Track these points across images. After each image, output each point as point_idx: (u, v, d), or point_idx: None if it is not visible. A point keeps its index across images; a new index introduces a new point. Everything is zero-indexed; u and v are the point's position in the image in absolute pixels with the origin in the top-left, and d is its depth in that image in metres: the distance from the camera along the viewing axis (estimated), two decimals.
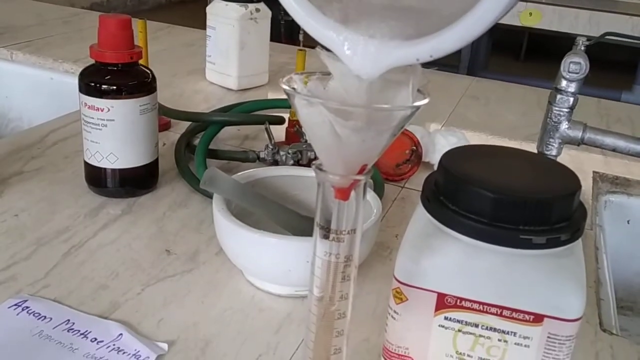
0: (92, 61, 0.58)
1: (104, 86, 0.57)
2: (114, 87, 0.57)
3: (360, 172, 0.29)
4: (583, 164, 0.80)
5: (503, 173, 0.35)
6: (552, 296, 0.33)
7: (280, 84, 0.28)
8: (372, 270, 0.53)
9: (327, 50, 0.29)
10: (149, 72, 0.60)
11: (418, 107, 0.27)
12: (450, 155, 0.37)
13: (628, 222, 0.77)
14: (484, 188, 0.33)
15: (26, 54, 1.04)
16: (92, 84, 0.57)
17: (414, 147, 0.70)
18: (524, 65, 3.94)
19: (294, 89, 0.27)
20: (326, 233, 0.30)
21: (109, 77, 0.57)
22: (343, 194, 0.29)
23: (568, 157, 0.80)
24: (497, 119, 0.94)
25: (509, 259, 0.33)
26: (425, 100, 0.27)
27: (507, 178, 0.35)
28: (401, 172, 0.70)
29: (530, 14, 2.32)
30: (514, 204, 0.33)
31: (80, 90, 0.58)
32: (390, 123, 0.27)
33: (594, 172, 0.78)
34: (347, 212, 0.30)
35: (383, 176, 0.68)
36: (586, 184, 0.75)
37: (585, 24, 2.20)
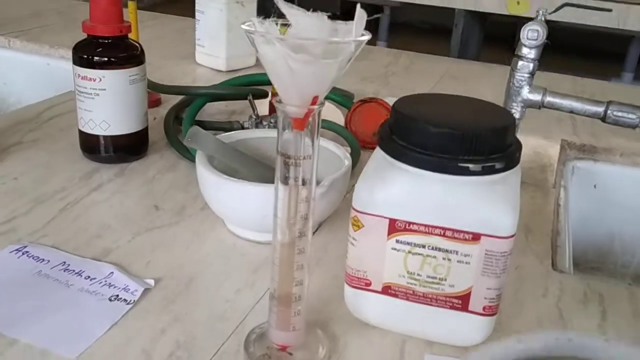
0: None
1: (95, 58, 0.61)
2: (105, 59, 0.61)
3: (313, 103, 0.33)
4: (553, 134, 0.84)
5: (446, 112, 0.40)
6: (487, 217, 0.37)
7: (241, 27, 0.32)
8: (345, 221, 0.57)
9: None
10: (138, 45, 0.64)
11: (361, 42, 0.31)
12: (402, 100, 0.41)
13: (595, 186, 0.82)
14: (428, 123, 0.38)
15: (23, 42, 1.08)
16: (85, 56, 0.62)
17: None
18: None
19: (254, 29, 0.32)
20: (286, 159, 0.35)
21: (100, 49, 0.62)
22: (299, 124, 0.34)
23: (538, 128, 0.84)
24: (472, 94, 0.99)
25: (450, 186, 0.38)
26: (367, 37, 0.32)
27: (449, 116, 0.39)
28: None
29: (518, 2, 2.36)
30: (454, 136, 0.37)
31: (74, 63, 0.62)
32: (337, 57, 0.31)
33: (562, 139, 0.82)
34: (304, 139, 0.34)
35: (360, 144, 0.73)
36: (554, 151, 0.80)
37: (573, 11, 2.23)
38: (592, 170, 0.82)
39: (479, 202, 0.37)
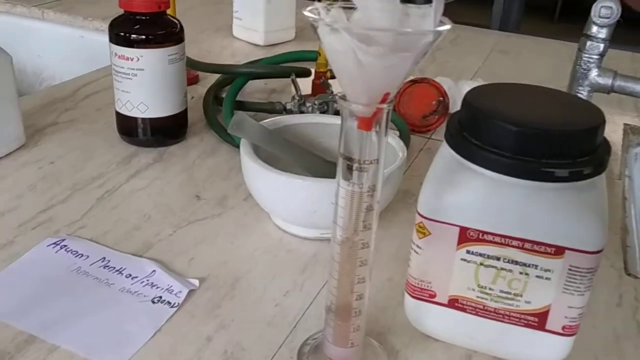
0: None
1: (133, 36, 0.58)
2: (143, 37, 0.58)
3: (382, 101, 0.29)
4: (614, 117, 0.79)
5: (527, 108, 0.35)
6: (574, 229, 0.33)
7: (303, 12, 0.28)
8: (397, 216, 0.54)
9: None
10: (177, 22, 0.61)
11: (440, 33, 0.27)
12: (475, 92, 0.37)
13: None
14: (507, 121, 0.33)
15: (57, 13, 1.05)
16: (122, 34, 0.58)
17: (441, 98, 0.70)
18: (559, 27, 3.83)
19: (318, 16, 0.28)
20: (349, 163, 0.31)
21: (138, 26, 0.58)
22: (366, 123, 0.30)
23: None
24: (527, 73, 0.93)
25: (531, 192, 0.33)
26: (448, 27, 0.27)
27: (531, 112, 0.35)
28: (428, 124, 0.70)
29: None
30: (537, 136, 0.33)
31: (111, 40, 0.59)
32: (413, 49, 0.27)
33: (624, 124, 0.77)
34: (370, 142, 0.30)
35: (409, 127, 0.68)
36: (617, 136, 0.74)
37: None
38: None
39: (565, 212, 0.33)
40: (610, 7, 0.57)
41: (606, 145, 0.35)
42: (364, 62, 0.27)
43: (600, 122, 0.34)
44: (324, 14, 0.28)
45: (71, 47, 1.06)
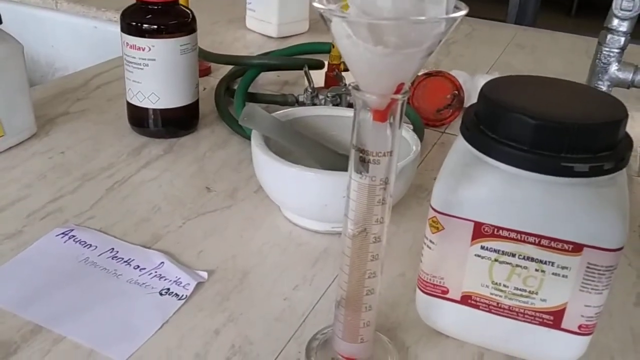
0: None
1: (145, 25, 0.57)
2: (155, 27, 0.57)
3: (397, 92, 0.28)
4: (633, 113, 0.77)
5: (545, 100, 0.34)
6: (593, 225, 0.32)
7: (312, 4, 0.27)
8: (410, 210, 0.53)
9: None
10: (189, 12, 0.60)
11: (454, 19, 0.26)
12: (491, 84, 0.36)
13: None
14: (525, 114, 0.32)
15: (70, 3, 1.05)
16: (134, 24, 0.58)
17: (456, 92, 0.69)
18: (575, 21, 3.79)
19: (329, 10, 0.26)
20: (363, 155, 0.30)
21: (149, 16, 0.58)
22: (381, 115, 0.29)
23: None
24: (543, 67, 0.91)
25: (549, 188, 0.32)
26: (463, 12, 0.26)
27: (550, 105, 0.34)
28: (442, 117, 0.69)
29: None
30: (556, 130, 0.32)
31: (122, 30, 0.59)
32: (425, 40, 0.26)
33: None
34: (384, 133, 0.29)
35: (423, 121, 0.67)
36: (635, 133, 0.73)
37: None
38: None
39: (584, 209, 0.32)
40: (633, 0, 0.56)
41: (628, 140, 0.34)
42: (372, 60, 0.26)
43: (623, 115, 0.33)
44: (337, 7, 0.27)
45: (84, 38, 1.06)
